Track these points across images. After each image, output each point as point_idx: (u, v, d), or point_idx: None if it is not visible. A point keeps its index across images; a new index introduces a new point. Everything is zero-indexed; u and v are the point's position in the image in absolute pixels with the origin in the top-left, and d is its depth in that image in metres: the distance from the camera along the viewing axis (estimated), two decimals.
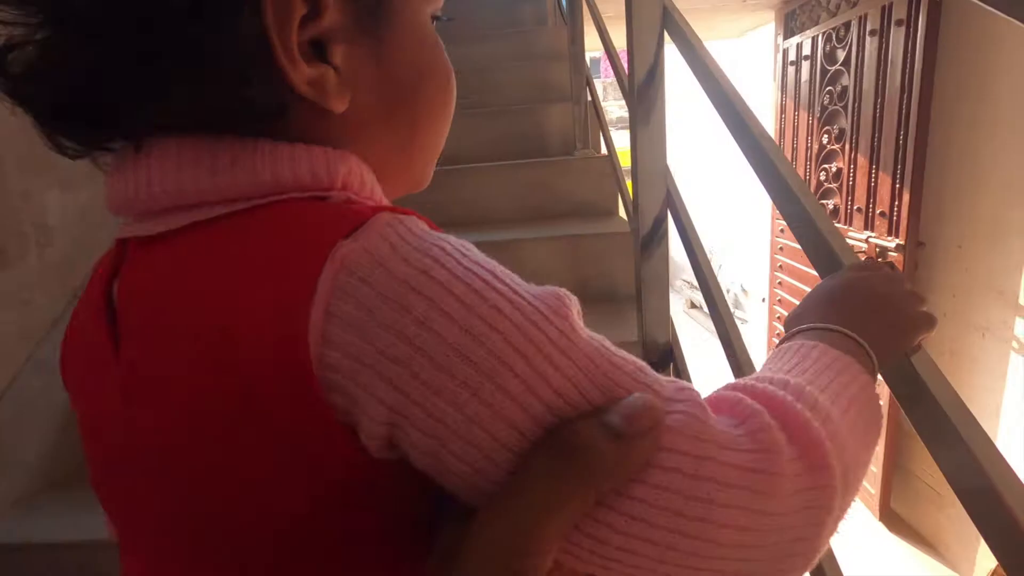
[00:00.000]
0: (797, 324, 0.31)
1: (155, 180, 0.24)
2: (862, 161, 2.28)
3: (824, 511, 0.22)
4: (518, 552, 0.19)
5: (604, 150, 1.62)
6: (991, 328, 1.84)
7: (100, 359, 0.26)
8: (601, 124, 1.68)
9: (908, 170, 2.00)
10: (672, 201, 0.84)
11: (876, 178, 2.21)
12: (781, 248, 3.12)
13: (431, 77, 0.30)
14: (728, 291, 5.62)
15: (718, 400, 0.24)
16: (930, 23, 1.86)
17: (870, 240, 2.22)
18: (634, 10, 0.79)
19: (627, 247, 1.30)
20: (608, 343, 0.23)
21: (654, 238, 0.87)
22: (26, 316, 1.02)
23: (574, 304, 0.23)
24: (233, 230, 0.24)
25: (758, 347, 3.78)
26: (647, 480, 0.20)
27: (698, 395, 0.22)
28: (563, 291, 0.23)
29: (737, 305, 5.39)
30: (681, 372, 0.96)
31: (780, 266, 3.15)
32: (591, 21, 1.63)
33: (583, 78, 1.76)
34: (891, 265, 0.37)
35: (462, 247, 0.23)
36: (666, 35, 0.78)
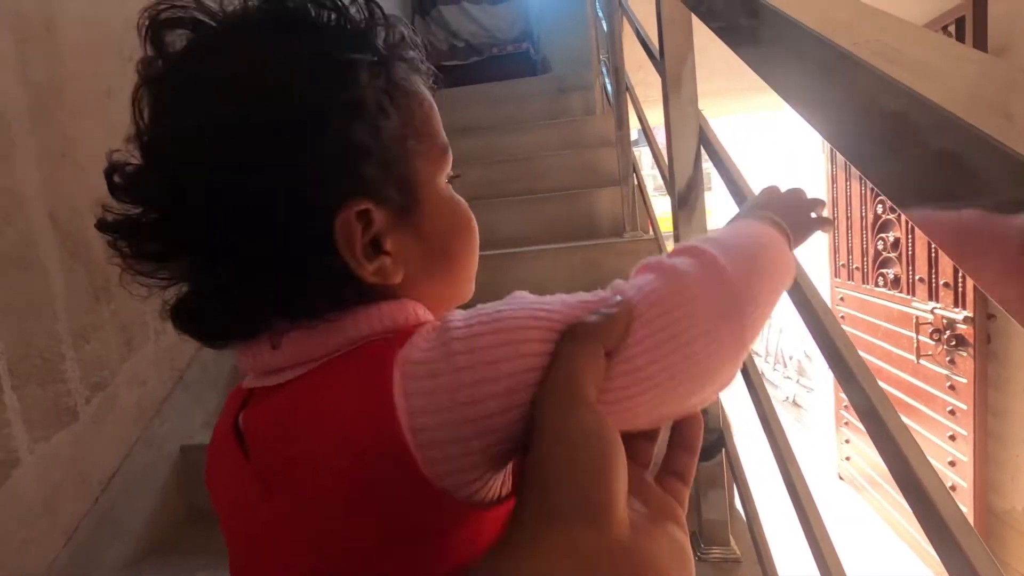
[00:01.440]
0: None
1: (277, 353, 0.34)
2: (919, 231, 2.26)
3: (716, 283, 0.31)
4: (579, 397, 0.27)
5: (651, 232, 1.70)
6: None
7: (236, 470, 0.35)
8: (647, 207, 1.77)
9: None
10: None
11: (936, 248, 2.17)
12: (843, 317, 3.04)
13: (457, 233, 0.38)
14: (791, 358, 5.41)
15: (641, 268, 0.34)
16: None
17: (935, 311, 2.16)
18: (672, 128, 0.89)
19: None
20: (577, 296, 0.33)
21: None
22: (143, 397, 1.17)
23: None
24: (335, 368, 0.32)
25: (825, 414, 3.60)
26: (633, 334, 0.30)
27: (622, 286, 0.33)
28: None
29: (801, 372, 5.17)
30: (731, 454, 0.98)
31: None
32: (636, 114, 1.76)
33: (629, 163, 1.87)
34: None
35: (461, 316, 0.31)
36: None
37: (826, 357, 0.57)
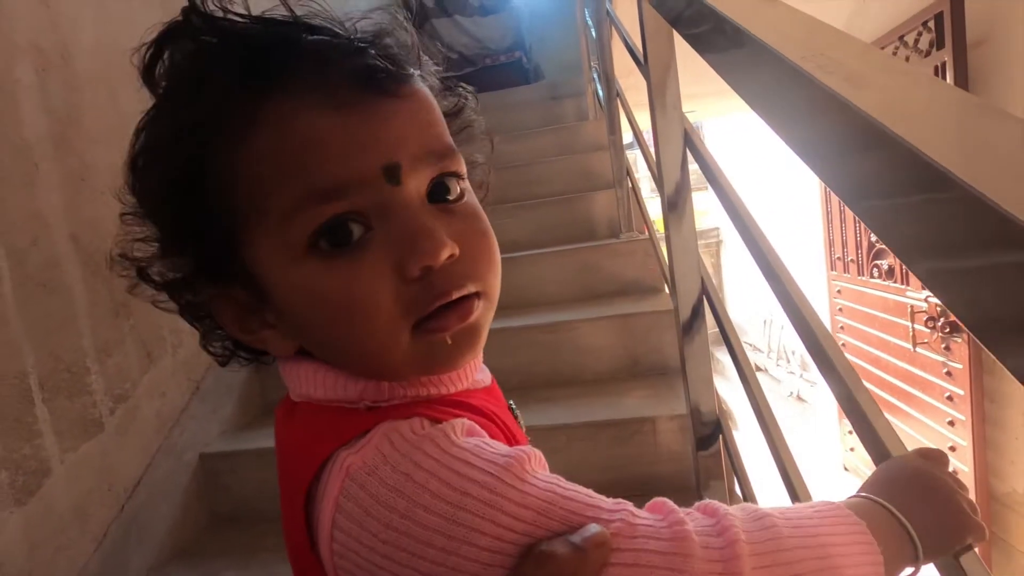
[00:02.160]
0: (860, 491, 0.35)
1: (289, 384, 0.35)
2: None
3: None
4: None
5: (646, 232, 1.75)
6: None
7: None
8: (641, 209, 1.82)
9: None
10: (707, 290, 0.95)
11: None
12: (840, 309, 3.09)
13: (321, 326, 0.31)
14: (794, 353, 5.45)
15: (653, 505, 0.29)
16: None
17: (929, 299, 2.20)
18: (659, 132, 0.94)
19: (673, 324, 1.40)
20: (561, 481, 0.29)
21: (693, 324, 0.98)
22: (162, 407, 1.22)
23: (531, 458, 0.28)
24: (300, 419, 0.33)
25: (829, 405, 3.63)
26: (607, 574, 0.26)
27: (630, 505, 0.29)
28: (519, 451, 0.28)
29: (804, 367, 5.20)
30: (729, 445, 1.03)
31: (841, 327, 3.09)
32: (627, 119, 1.81)
33: (622, 166, 1.93)
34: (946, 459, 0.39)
35: (444, 441, 0.28)
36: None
37: (811, 353, 0.60)
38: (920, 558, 0.32)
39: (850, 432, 3.19)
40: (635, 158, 3.41)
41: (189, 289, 0.34)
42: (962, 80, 1.98)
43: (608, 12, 1.82)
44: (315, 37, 0.30)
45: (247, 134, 0.29)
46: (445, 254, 0.29)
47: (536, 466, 0.29)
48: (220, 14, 0.30)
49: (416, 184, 0.30)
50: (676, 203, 0.92)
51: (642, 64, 1.00)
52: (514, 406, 0.41)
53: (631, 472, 1.16)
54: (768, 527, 0.28)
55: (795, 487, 0.71)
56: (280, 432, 0.34)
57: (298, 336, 0.33)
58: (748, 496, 0.97)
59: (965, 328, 0.25)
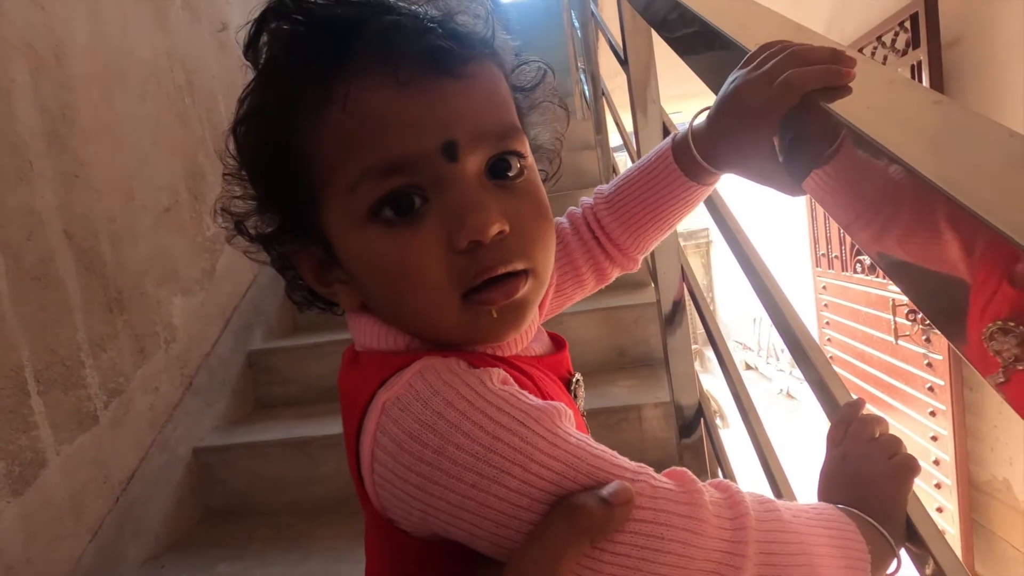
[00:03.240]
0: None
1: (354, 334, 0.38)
2: None
3: (733, 568, 0.28)
4: None
5: None
6: None
7: None
8: None
9: None
10: (688, 285, 0.99)
11: None
12: (826, 305, 3.14)
13: (379, 285, 0.34)
14: (783, 351, 5.51)
15: (672, 472, 0.31)
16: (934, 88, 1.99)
17: None
18: (639, 127, 0.98)
19: (658, 317, 1.43)
20: (590, 439, 0.30)
21: (674, 317, 1.01)
22: (156, 402, 1.23)
23: (562, 414, 0.30)
24: (358, 365, 0.36)
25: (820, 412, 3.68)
26: (628, 529, 0.28)
27: (651, 470, 0.30)
28: (551, 405, 0.30)
29: (794, 364, 5.25)
30: (712, 432, 1.06)
31: (827, 322, 3.15)
32: (612, 118, 1.85)
33: (609, 165, 1.96)
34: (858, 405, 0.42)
35: (478, 385, 0.29)
36: None
37: (786, 343, 0.60)
38: (895, 548, 0.35)
39: None
40: (624, 160, 3.45)
41: (277, 242, 0.37)
42: (937, 78, 2.04)
43: (593, 13, 1.86)
44: (387, 18, 0.31)
45: (321, 110, 0.31)
46: (493, 230, 0.31)
47: (566, 423, 0.30)
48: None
49: (474, 161, 0.32)
50: None
51: (624, 63, 1.03)
52: (577, 381, 0.42)
53: None
54: (772, 510, 0.31)
55: (778, 484, 0.73)
56: (342, 377, 0.37)
57: (363, 294, 0.36)
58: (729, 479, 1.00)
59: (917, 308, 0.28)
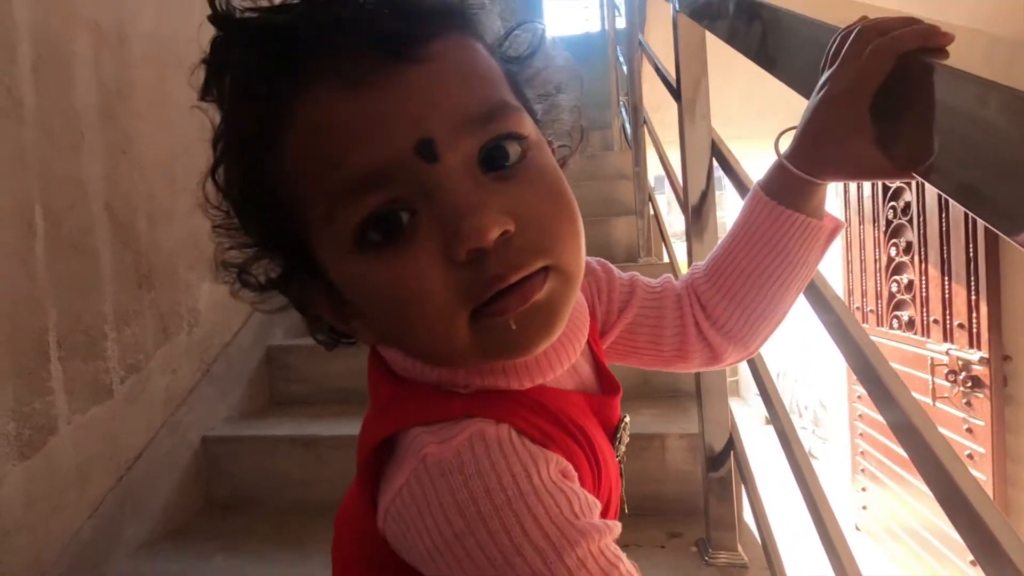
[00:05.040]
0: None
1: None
2: (933, 273, 2.28)
3: None
4: None
5: (666, 258, 1.75)
6: None
7: None
8: (663, 235, 1.83)
9: (983, 281, 1.99)
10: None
11: (950, 289, 2.19)
12: None
13: (377, 313, 0.31)
14: (807, 407, 5.32)
15: None
16: None
17: (951, 352, 2.15)
18: (687, 141, 0.96)
19: None
20: (621, 565, 0.27)
21: None
22: (172, 384, 1.22)
23: (603, 535, 0.27)
24: (398, 381, 0.34)
25: (841, 466, 3.52)
26: None
27: None
28: (599, 526, 0.27)
29: (816, 423, 5.07)
30: (742, 466, 1.00)
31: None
32: (653, 146, 1.84)
33: (645, 195, 1.95)
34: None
35: (524, 478, 0.26)
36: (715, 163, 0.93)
37: (856, 372, 0.53)
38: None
39: (863, 490, 3.08)
40: (664, 201, 3.44)
41: (286, 286, 0.34)
42: None
43: (640, 42, 1.88)
44: (324, 12, 0.27)
45: (278, 136, 0.28)
46: (494, 233, 0.26)
47: (605, 543, 0.27)
48: (237, 14, 0.29)
49: (459, 156, 0.27)
50: (700, 212, 0.93)
51: (673, 85, 1.02)
52: (625, 425, 0.38)
53: (638, 490, 1.13)
54: None
55: (832, 541, 0.66)
56: (379, 376, 0.34)
57: (374, 327, 0.33)
58: (760, 514, 0.93)
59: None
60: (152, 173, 1.19)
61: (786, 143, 0.40)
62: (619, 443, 0.37)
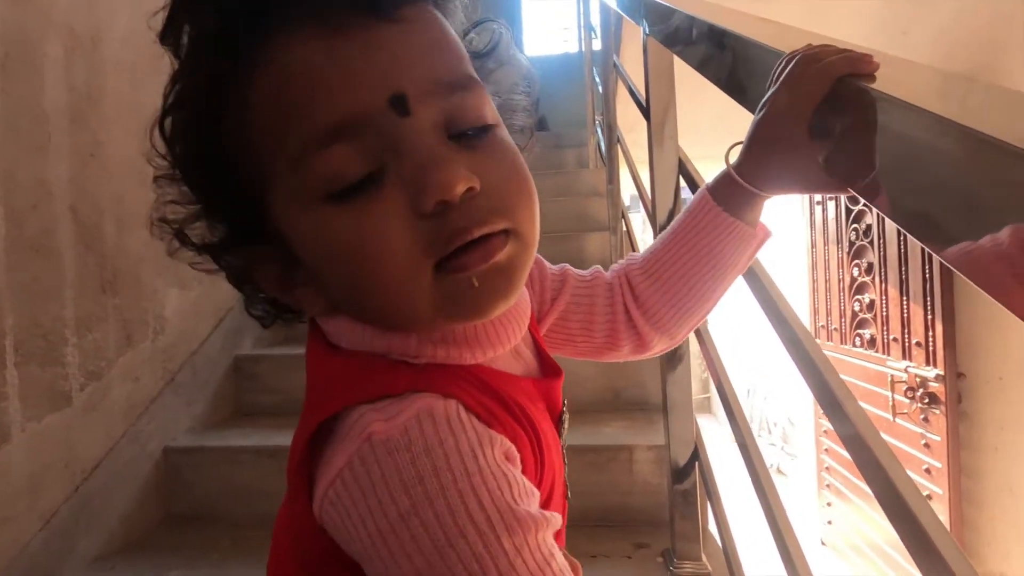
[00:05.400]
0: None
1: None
2: (893, 293, 2.37)
3: None
4: None
5: None
6: None
7: None
8: (634, 250, 1.87)
9: (938, 302, 2.08)
10: (700, 335, 0.97)
11: (908, 309, 2.27)
12: None
13: (334, 267, 0.30)
14: (776, 424, 5.41)
15: None
16: None
17: (909, 370, 2.23)
18: (655, 161, 0.99)
19: (656, 360, 1.41)
20: (554, 560, 0.27)
21: (675, 352, 0.99)
22: (134, 392, 1.19)
23: (548, 525, 0.27)
24: (337, 357, 0.33)
25: (808, 482, 3.58)
26: None
27: None
28: (539, 516, 0.27)
29: (785, 439, 5.15)
30: (707, 478, 1.02)
31: None
32: (626, 164, 1.88)
33: (619, 211, 1.99)
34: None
35: (471, 458, 0.26)
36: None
37: (809, 384, 0.55)
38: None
39: (828, 505, 3.14)
40: (637, 220, 3.51)
41: (227, 251, 0.33)
42: None
43: (615, 64, 1.93)
44: None
45: (247, 80, 0.28)
46: (461, 187, 0.27)
47: (549, 534, 0.27)
48: None
49: (429, 115, 0.28)
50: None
51: (644, 105, 1.06)
52: (565, 415, 0.38)
53: (606, 501, 1.14)
54: None
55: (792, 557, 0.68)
56: (317, 354, 0.33)
57: (329, 293, 0.32)
58: (722, 525, 0.95)
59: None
60: (121, 177, 1.17)
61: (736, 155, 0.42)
62: (563, 427, 0.38)
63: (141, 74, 1.23)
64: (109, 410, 1.12)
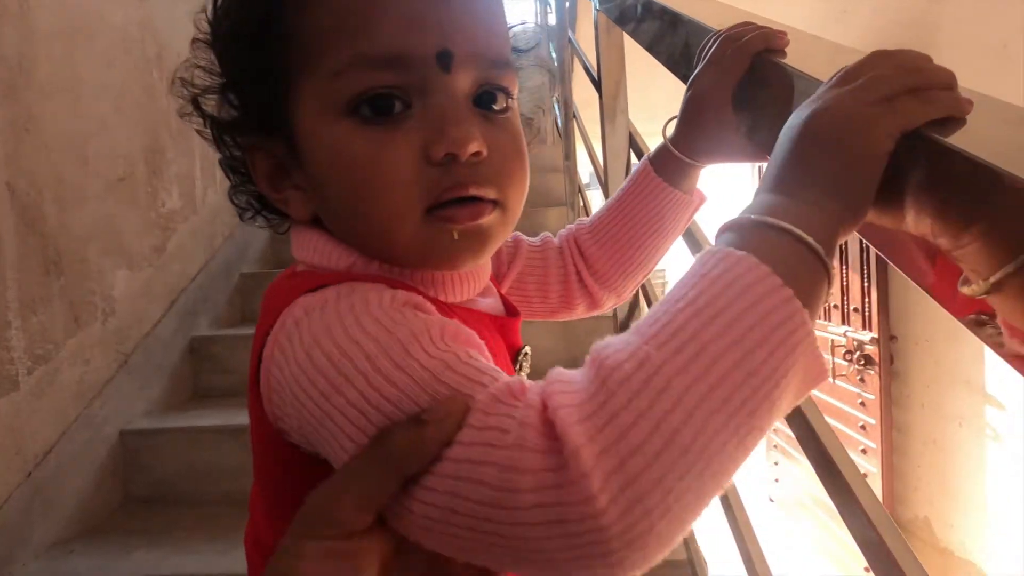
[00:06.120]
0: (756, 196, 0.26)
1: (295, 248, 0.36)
2: (834, 262, 2.50)
3: (569, 526, 0.20)
4: (323, 519, 0.24)
5: None
6: (965, 418, 1.94)
7: None
8: None
9: (873, 270, 2.21)
10: (646, 290, 1.02)
11: (847, 277, 2.41)
12: None
13: (338, 186, 0.31)
14: None
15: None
16: None
17: (848, 334, 2.37)
18: (607, 135, 1.02)
19: (610, 326, 1.46)
20: (469, 354, 0.26)
21: (628, 324, 1.04)
22: (85, 375, 1.16)
23: (454, 331, 0.27)
24: (292, 278, 0.34)
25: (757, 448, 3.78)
26: (446, 456, 0.23)
27: (502, 386, 0.24)
28: (441, 321, 0.28)
29: None
30: None
31: None
32: (582, 140, 1.91)
33: (575, 187, 2.02)
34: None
35: (376, 297, 0.28)
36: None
37: None
38: (826, 261, 0.23)
39: (775, 464, 3.33)
40: (595, 197, 3.54)
41: (235, 131, 0.35)
42: None
43: (570, 39, 1.94)
44: None
45: None
46: (472, 148, 0.30)
47: (449, 340, 0.27)
48: None
49: (465, 79, 0.31)
50: None
51: (595, 78, 1.08)
52: (525, 354, 0.39)
53: None
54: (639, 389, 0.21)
55: (736, 518, 0.74)
56: (272, 286, 0.35)
57: (319, 202, 0.33)
58: None
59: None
60: (60, 154, 1.12)
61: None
62: (519, 369, 0.39)
63: (75, 44, 1.17)
64: (59, 394, 1.10)
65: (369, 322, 0.27)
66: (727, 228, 0.25)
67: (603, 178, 1.06)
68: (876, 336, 2.19)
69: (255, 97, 0.33)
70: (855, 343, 2.31)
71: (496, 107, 0.32)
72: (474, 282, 0.36)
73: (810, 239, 0.23)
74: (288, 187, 0.34)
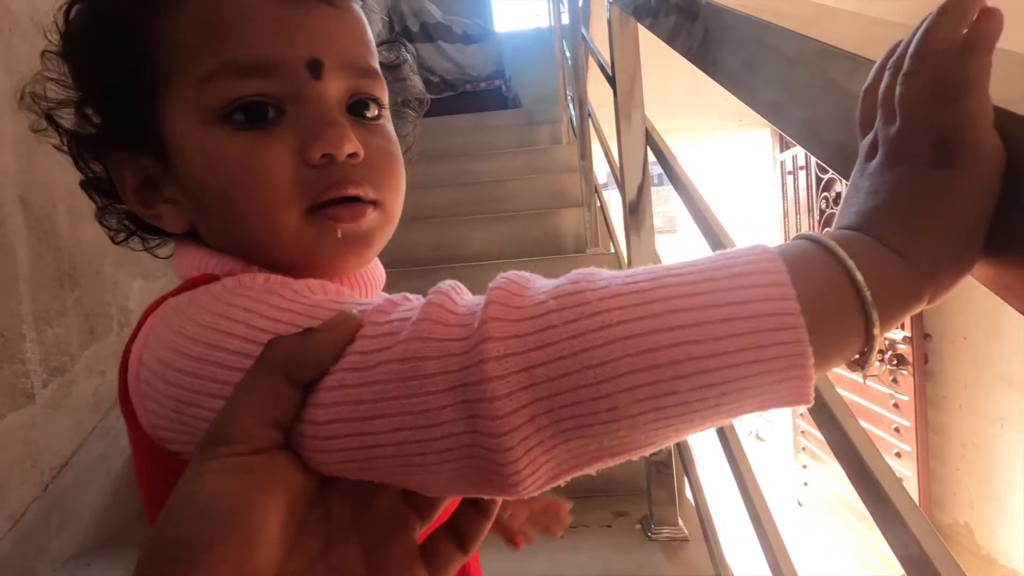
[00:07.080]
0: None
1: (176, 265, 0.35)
2: None
3: (479, 422, 0.20)
4: (224, 436, 0.22)
5: (612, 249, 1.79)
6: (1008, 418, 1.85)
7: None
8: (608, 227, 1.87)
9: None
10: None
11: None
12: None
13: (214, 195, 0.31)
14: None
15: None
16: None
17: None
18: (622, 133, 0.98)
19: None
20: (344, 294, 0.28)
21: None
22: (101, 387, 1.16)
23: (334, 290, 0.28)
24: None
25: (785, 446, 3.68)
26: (340, 365, 0.23)
27: (396, 300, 0.25)
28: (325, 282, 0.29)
29: None
30: (681, 446, 1.03)
31: None
32: (598, 139, 1.87)
33: (592, 187, 1.98)
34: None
35: (249, 280, 0.28)
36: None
37: None
38: (870, 314, 0.19)
39: (804, 467, 3.24)
40: (610, 197, 3.51)
41: (96, 148, 0.33)
42: None
43: (584, 36, 1.91)
44: None
45: None
46: (348, 148, 0.30)
47: (344, 296, 0.28)
48: None
49: (337, 87, 0.31)
50: (637, 208, 0.96)
51: (610, 74, 1.05)
52: None
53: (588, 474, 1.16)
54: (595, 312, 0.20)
55: (761, 520, 0.70)
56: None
57: (195, 214, 0.33)
58: (697, 490, 0.97)
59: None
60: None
61: None
62: None
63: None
64: (76, 406, 1.10)
65: (246, 290, 0.27)
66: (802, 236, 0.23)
67: (620, 177, 1.02)
68: (909, 335, 2.11)
69: (119, 109, 0.32)
70: (887, 342, 2.22)
71: (368, 114, 0.33)
72: (360, 289, 0.35)
73: (857, 275, 0.20)
74: (160, 202, 0.33)
